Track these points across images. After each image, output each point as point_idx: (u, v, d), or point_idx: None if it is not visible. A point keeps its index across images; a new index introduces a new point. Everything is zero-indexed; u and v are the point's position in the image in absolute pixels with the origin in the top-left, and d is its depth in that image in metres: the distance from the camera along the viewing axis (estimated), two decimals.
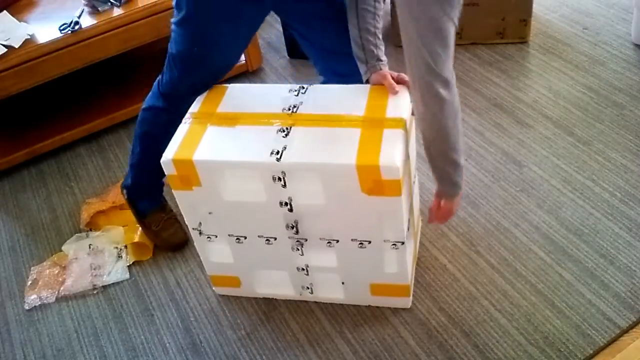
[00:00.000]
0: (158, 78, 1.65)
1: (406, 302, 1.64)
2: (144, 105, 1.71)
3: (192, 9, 1.46)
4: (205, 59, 1.54)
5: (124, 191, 1.90)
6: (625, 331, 1.53)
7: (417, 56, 1.26)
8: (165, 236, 1.89)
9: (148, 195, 1.90)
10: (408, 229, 1.51)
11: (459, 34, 2.47)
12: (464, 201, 1.89)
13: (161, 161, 1.44)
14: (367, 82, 1.53)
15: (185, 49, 1.53)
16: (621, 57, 2.33)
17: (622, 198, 1.83)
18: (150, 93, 1.68)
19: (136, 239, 1.92)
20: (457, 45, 2.63)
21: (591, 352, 1.49)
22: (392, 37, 2.51)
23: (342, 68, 1.58)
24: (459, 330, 1.57)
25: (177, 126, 1.49)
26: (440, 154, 1.41)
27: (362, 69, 1.53)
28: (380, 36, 1.52)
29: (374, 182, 1.35)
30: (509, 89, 2.28)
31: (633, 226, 1.75)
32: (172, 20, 1.50)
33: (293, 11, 1.59)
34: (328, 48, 1.61)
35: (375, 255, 1.52)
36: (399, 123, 1.41)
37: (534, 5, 2.43)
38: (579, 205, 1.82)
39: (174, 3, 1.49)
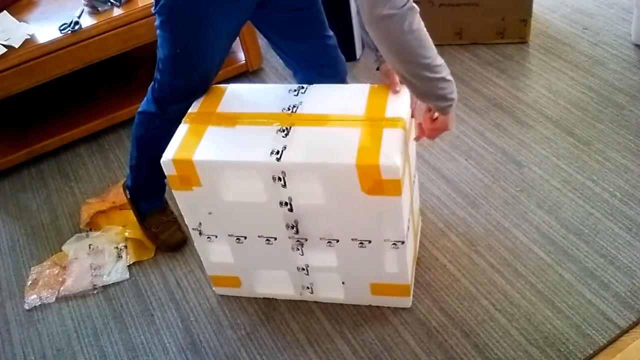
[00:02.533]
0: (151, 83, 1.65)
1: (406, 301, 1.64)
2: (139, 109, 1.72)
3: (169, 14, 1.46)
4: (189, 62, 1.54)
5: (127, 191, 1.91)
6: (625, 331, 1.52)
7: None
8: (164, 238, 1.89)
9: (149, 196, 1.91)
10: (408, 229, 1.51)
11: (459, 34, 2.50)
12: (464, 201, 1.89)
13: (161, 161, 1.44)
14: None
15: (169, 52, 1.53)
16: (621, 57, 2.33)
17: (622, 198, 1.83)
18: (145, 98, 1.69)
19: (135, 235, 1.93)
20: (457, 45, 2.65)
21: (591, 352, 1.49)
22: None
23: (319, 80, 1.60)
24: (459, 330, 1.57)
25: (172, 130, 1.49)
26: (412, 74, 1.30)
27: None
28: None
29: (374, 182, 1.35)
30: (509, 89, 2.28)
31: (633, 226, 1.75)
32: (155, 24, 1.51)
33: (271, 21, 1.60)
34: (307, 58, 1.63)
35: (376, 255, 1.52)
36: (399, 122, 1.41)
37: (534, 5, 2.43)
38: (579, 205, 1.82)
39: (153, 9, 1.49)
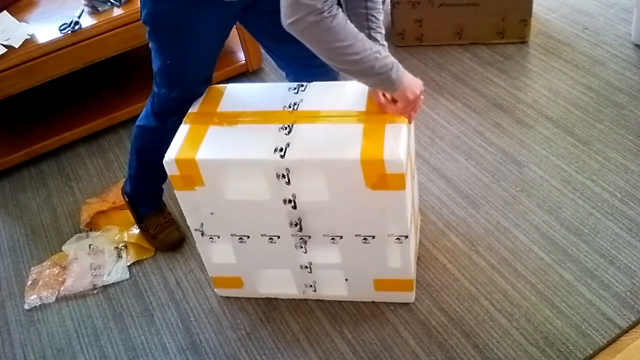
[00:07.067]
0: (150, 97, 1.66)
1: (410, 296, 1.64)
2: (138, 121, 1.72)
3: (154, 23, 1.46)
4: (180, 72, 1.54)
5: (125, 196, 1.92)
6: (625, 331, 1.53)
7: None
8: (162, 237, 1.89)
9: (148, 201, 1.92)
10: (411, 223, 1.51)
11: (459, 34, 2.50)
12: (464, 201, 1.89)
13: (164, 161, 1.43)
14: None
15: (160, 63, 1.53)
16: (621, 57, 2.34)
17: (622, 198, 1.83)
18: (144, 110, 1.70)
19: (134, 240, 1.93)
20: (457, 45, 2.65)
21: (591, 352, 1.49)
22: (392, 37, 2.50)
23: (311, 80, 1.59)
24: (459, 330, 1.58)
25: (172, 138, 1.48)
26: (346, 62, 1.31)
27: None
28: (378, 36, 1.48)
29: (379, 177, 1.36)
30: (509, 89, 2.28)
31: (633, 226, 1.75)
32: (146, 35, 1.51)
33: (258, 24, 1.59)
34: (296, 59, 1.62)
35: (379, 250, 1.52)
36: (401, 117, 1.42)
37: (534, 5, 2.43)
38: (579, 205, 1.82)
39: (141, 19, 1.48)
